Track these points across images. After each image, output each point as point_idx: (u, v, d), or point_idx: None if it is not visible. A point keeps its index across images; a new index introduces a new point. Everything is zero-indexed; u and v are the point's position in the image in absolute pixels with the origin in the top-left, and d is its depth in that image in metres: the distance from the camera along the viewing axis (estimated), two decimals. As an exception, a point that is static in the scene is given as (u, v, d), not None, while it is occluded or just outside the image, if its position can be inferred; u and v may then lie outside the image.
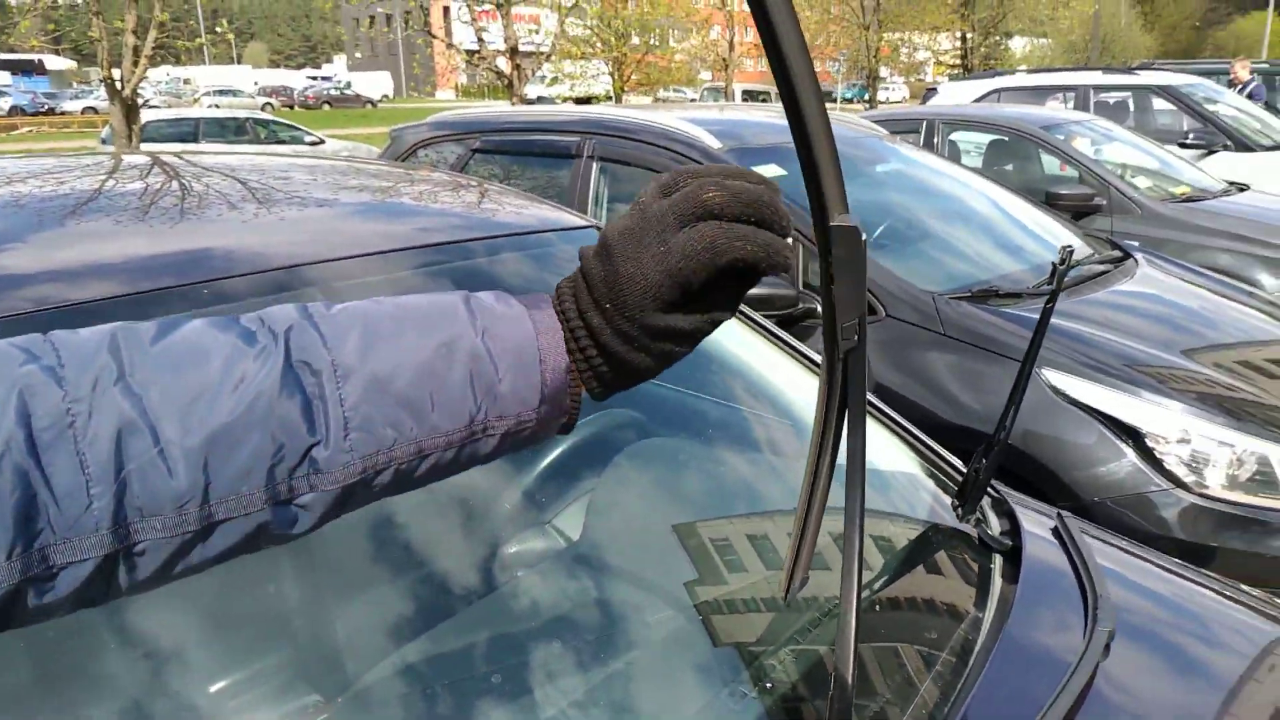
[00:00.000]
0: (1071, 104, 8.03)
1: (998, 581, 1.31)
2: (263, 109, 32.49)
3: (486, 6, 15.56)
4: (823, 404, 0.68)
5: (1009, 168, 5.74)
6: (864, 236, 0.60)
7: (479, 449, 0.59)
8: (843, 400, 0.66)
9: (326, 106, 45.83)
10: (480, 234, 1.53)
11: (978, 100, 8.43)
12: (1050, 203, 4.51)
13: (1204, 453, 2.36)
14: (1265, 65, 11.02)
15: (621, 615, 1.23)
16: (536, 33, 17.84)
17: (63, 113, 36.89)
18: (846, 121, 4.20)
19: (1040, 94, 8.30)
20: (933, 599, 1.32)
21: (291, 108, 44.16)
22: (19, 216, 1.21)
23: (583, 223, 1.73)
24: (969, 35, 28.81)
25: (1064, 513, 1.50)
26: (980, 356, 2.63)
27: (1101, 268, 3.28)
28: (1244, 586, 1.46)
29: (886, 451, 1.63)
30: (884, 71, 30.92)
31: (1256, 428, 2.38)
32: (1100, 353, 2.57)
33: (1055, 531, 1.45)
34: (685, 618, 1.20)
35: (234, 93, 40.58)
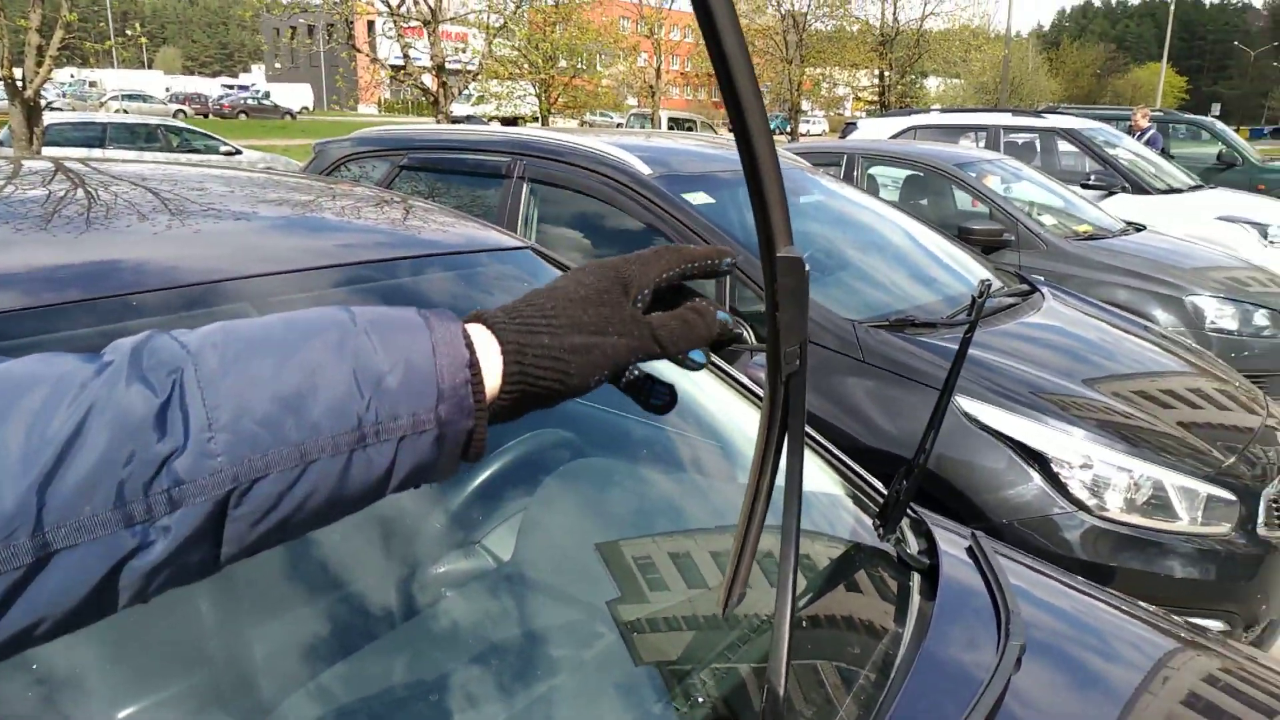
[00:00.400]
0: (983, 143, 8.38)
1: (916, 599, 1.34)
2: (174, 116, 31.43)
3: (413, 23, 15.43)
4: (765, 424, 0.69)
5: (924, 202, 5.94)
6: (807, 267, 0.62)
7: (374, 461, 0.51)
8: (784, 421, 0.69)
9: (243, 116, 44.72)
10: (408, 252, 1.49)
11: (894, 136, 8.73)
12: (962, 237, 4.68)
13: (1104, 477, 2.47)
14: (1160, 114, 11.68)
15: (549, 636, 1.21)
16: (464, 51, 17.75)
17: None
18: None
19: (953, 132, 8.64)
20: (854, 616, 1.35)
21: (206, 116, 42.95)
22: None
23: (515, 243, 1.72)
24: (887, 73, 29.82)
25: (978, 533, 1.55)
26: (897, 383, 2.71)
27: (1010, 300, 3.42)
28: (1141, 603, 1.53)
29: (811, 472, 1.65)
30: (806, 105, 31.72)
31: (1151, 454, 2.50)
32: (1009, 381, 2.67)
33: (970, 551, 1.50)
34: (613, 638, 1.20)
35: (144, 98, 39.22)
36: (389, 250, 1.47)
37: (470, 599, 1.24)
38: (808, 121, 37.89)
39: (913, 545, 1.50)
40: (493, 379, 0.57)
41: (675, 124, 31.27)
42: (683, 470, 1.71)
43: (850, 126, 10.27)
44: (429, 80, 14.42)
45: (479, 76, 16.49)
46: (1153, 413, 2.73)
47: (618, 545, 1.37)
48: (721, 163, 3.57)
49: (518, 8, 16.54)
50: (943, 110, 10.11)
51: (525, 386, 0.58)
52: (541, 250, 1.78)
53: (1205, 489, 2.46)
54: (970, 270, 3.71)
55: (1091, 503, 2.46)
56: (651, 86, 27.62)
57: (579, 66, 21.07)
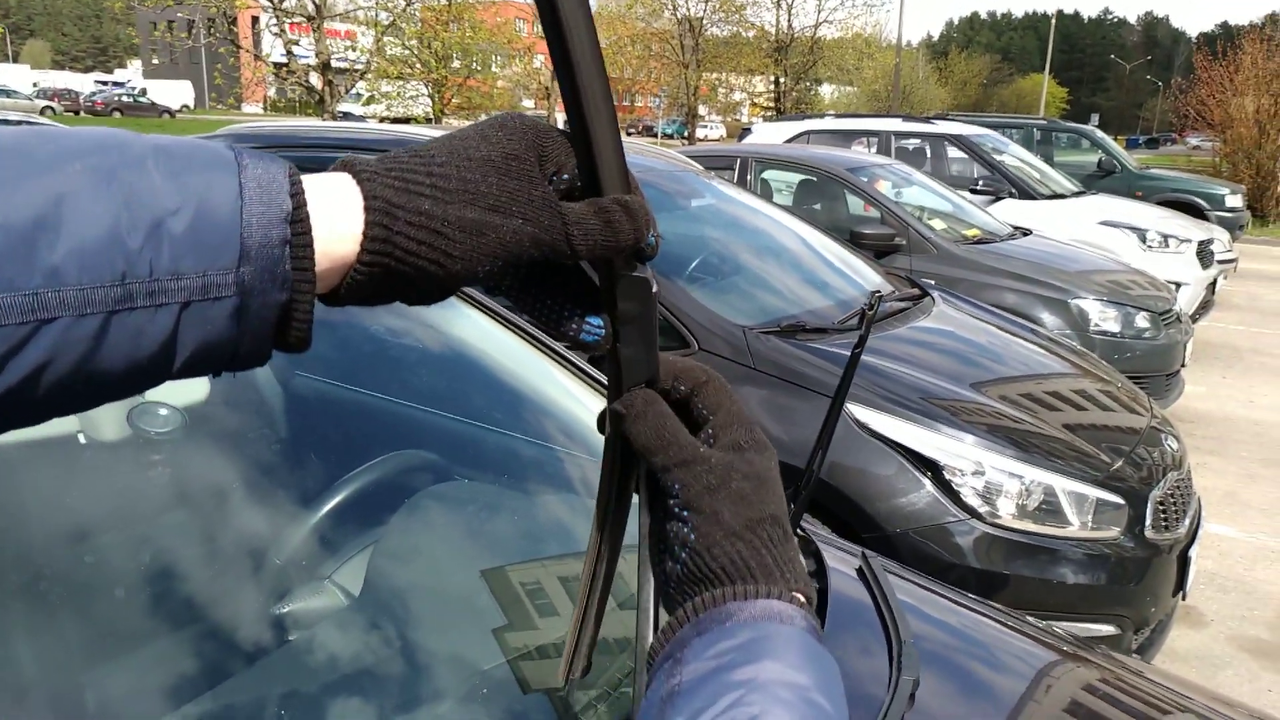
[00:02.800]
0: (875, 148, 8.51)
1: None
2: (42, 113, 29.78)
3: (298, 19, 14.90)
4: (606, 475, 0.59)
5: (817, 206, 5.97)
6: (654, 289, 0.52)
7: (145, 330, 0.40)
8: (626, 472, 0.57)
9: (117, 114, 42.96)
10: None
11: (789, 141, 8.80)
12: (855, 241, 4.68)
13: (996, 484, 2.44)
14: (1044, 122, 12.16)
15: (406, 674, 1.11)
16: (353, 49, 17.22)
17: None
18: (662, 155, 4.20)
19: (846, 137, 8.76)
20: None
21: (77, 113, 41.05)
22: None
23: None
24: (782, 80, 30.39)
25: (867, 552, 1.49)
26: (788, 391, 2.63)
27: (901, 305, 3.40)
28: (1028, 617, 1.52)
29: None
30: (703, 110, 32.06)
31: (1042, 459, 2.49)
32: (900, 387, 2.62)
33: (860, 572, 1.44)
34: (479, 671, 1.10)
35: (7, 93, 37.08)
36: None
37: (320, 639, 1.12)
38: (705, 126, 38.35)
39: None
40: (343, 243, 0.44)
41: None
42: (550, 488, 1.57)
43: (747, 132, 10.35)
44: (315, 79, 13.93)
45: (368, 75, 16.05)
46: (1041, 417, 2.72)
47: (504, 571, 1.28)
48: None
49: (408, 5, 16.15)
50: (837, 116, 10.26)
51: (390, 261, 0.45)
52: None
53: (1095, 493, 2.45)
54: (862, 275, 3.69)
55: (984, 510, 2.43)
56: (547, 88, 27.43)
57: (473, 67, 20.74)
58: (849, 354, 1.33)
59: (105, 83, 54.52)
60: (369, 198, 0.44)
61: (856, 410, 2.55)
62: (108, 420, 1.20)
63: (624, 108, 46.48)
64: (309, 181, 0.44)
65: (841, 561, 1.46)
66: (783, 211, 4.15)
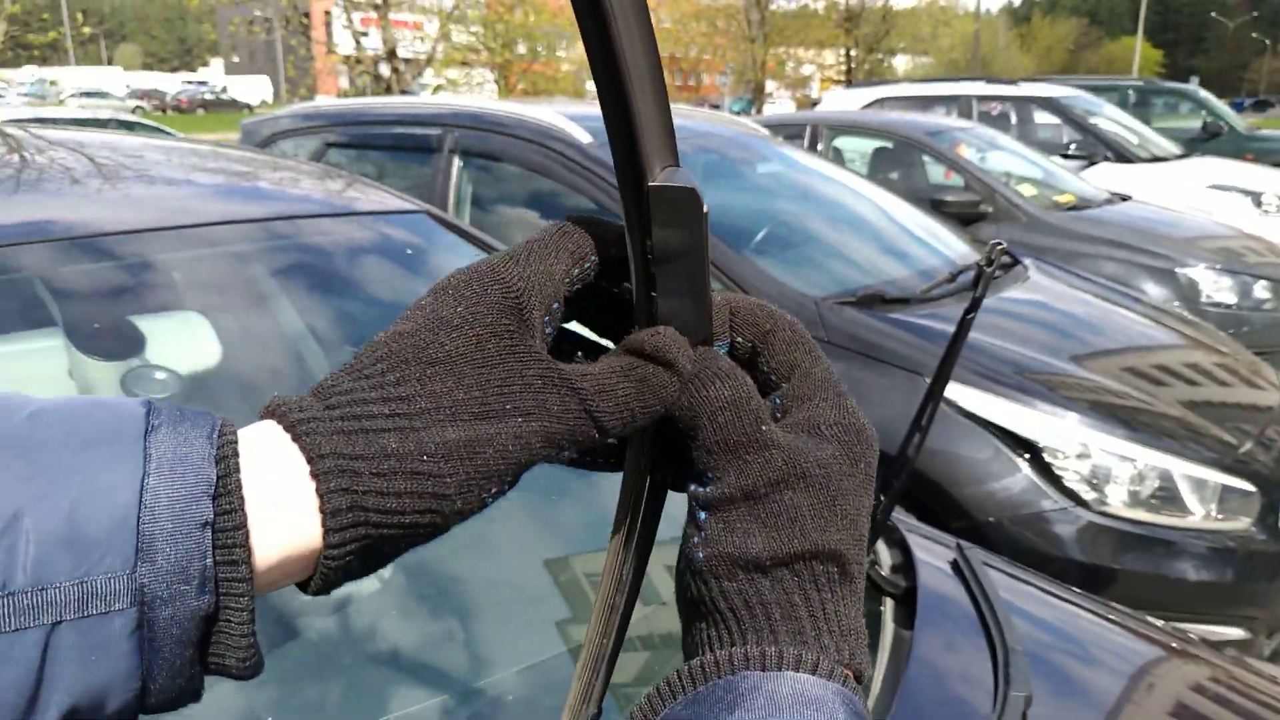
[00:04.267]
0: (955, 114, 8.09)
1: (889, 628, 1.14)
2: (133, 112, 31.06)
3: (370, 14, 15.08)
4: (631, 479, 0.44)
5: (894, 175, 5.66)
6: (705, 208, 0.37)
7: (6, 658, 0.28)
8: (656, 475, 0.44)
9: (201, 111, 44.50)
10: (291, 213, 1.42)
11: (863, 109, 8.43)
12: (937, 209, 4.39)
13: (1104, 467, 2.19)
14: (1141, 83, 11.46)
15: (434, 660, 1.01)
16: (421, 40, 17.37)
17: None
18: (724, 120, 4.00)
19: (924, 104, 8.34)
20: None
21: (164, 111, 42.71)
22: None
23: (409, 206, 1.61)
24: (853, 51, 29.58)
25: (963, 543, 1.33)
26: (865, 365, 2.43)
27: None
28: (1151, 619, 1.36)
29: None
30: (771, 86, 31.51)
31: (1156, 439, 2.22)
32: (993, 361, 2.38)
33: (955, 566, 1.29)
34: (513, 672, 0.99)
35: (103, 95, 38.74)
36: (259, 211, 1.38)
37: (351, 620, 1.04)
38: (773, 103, 37.59)
39: (885, 562, 1.28)
40: (294, 527, 0.33)
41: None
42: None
43: (816, 105, 10.01)
44: (384, 68, 14.12)
45: (431, 63, 16.20)
46: (1153, 393, 2.44)
47: (568, 561, 1.20)
48: (680, 132, 3.33)
49: (472, -9, 16.24)
50: (912, 82, 9.84)
51: (367, 531, 0.34)
52: (439, 214, 1.67)
53: (1220, 478, 2.18)
54: (946, 243, 3.41)
55: (1090, 497, 2.18)
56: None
57: (538, 50, 20.71)
58: (935, 325, 1.14)
59: (190, 82, 56.70)
60: (314, 458, 0.33)
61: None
62: (101, 382, 1.09)
63: (689, 87, 45.94)
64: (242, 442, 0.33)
65: (932, 553, 1.32)
66: (857, 178, 3.89)
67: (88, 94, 37.33)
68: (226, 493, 0.32)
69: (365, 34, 15.34)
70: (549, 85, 23.68)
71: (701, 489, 0.38)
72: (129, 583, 0.30)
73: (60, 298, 1.09)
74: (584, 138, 3.02)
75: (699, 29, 28.46)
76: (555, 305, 0.38)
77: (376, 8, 14.32)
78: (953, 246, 3.38)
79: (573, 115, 3.21)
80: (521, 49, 19.93)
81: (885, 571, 1.25)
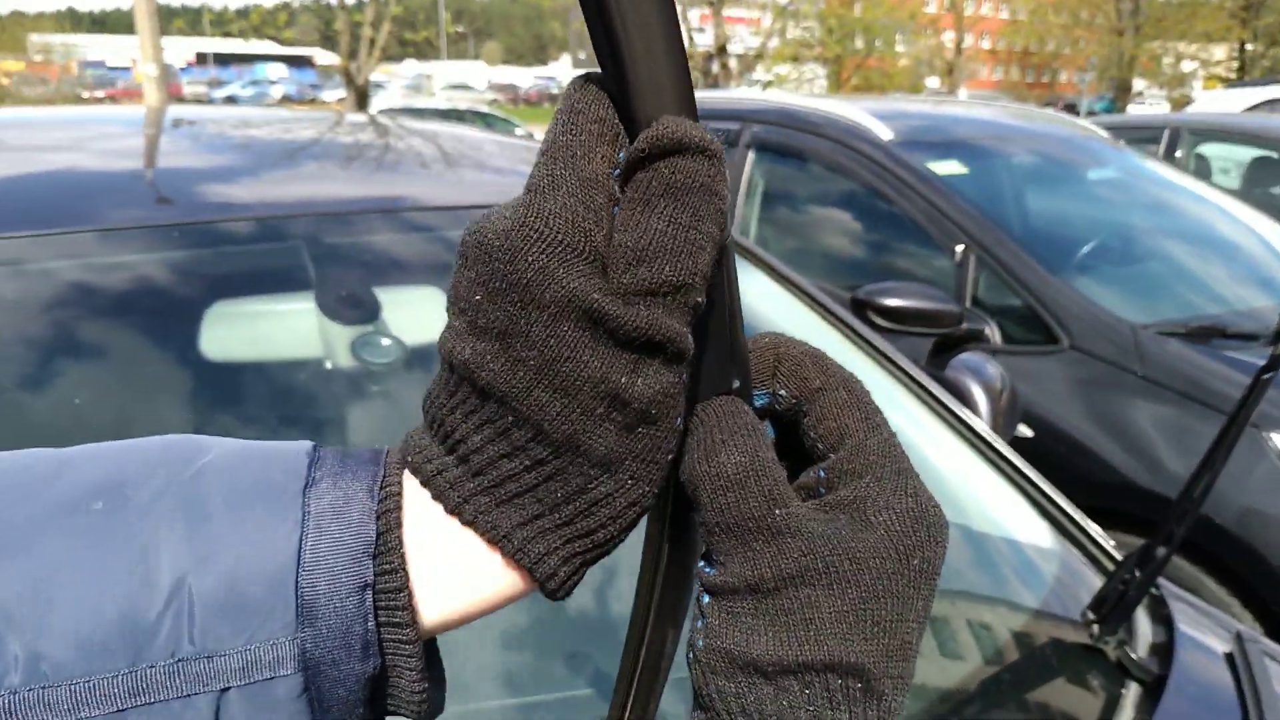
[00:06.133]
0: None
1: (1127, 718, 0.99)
2: (490, 104, 34.65)
3: (706, 10, 15.54)
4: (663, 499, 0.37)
5: (1276, 191, 4.79)
6: (726, 171, 0.32)
7: None
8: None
9: (547, 104, 48.23)
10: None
11: (1248, 110, 7.26)
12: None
13: None
14: None
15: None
16: (755, 35, 17.62)
17: (321, 101, 40.89)
18: (1050, 118, 3.61)
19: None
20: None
21: (516, 104, 46.76)
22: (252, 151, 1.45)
23: None
24: (1250, 45, 25.56)
25: (1245, 631, 1.16)
26: (1189, 409, 2.08)
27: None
28: None
29: (1020, 520, 1.30)
30: (1140, 85, 28.24)
31: None
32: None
33: (1229, 659, 1.11)
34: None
35: (467, 88, 43.42)
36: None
37: None
38: (1142, 103, 33.48)
39: (1141, 639, 1.11)
40: (482, 588, 0.33)
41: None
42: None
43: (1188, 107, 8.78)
44: (715, 64, 14.48)
45: (761, 58, 16.34)
46: None
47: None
48: (981, 128, 3.07)
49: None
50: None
51: (582, 561, 0.33)
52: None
53: None
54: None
55: None
56: (950, 64, 25.83)
57: (876, 44, 20.15)
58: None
59: (541, 77, 62.03)
60: (497, 540, 0.32)
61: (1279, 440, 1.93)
62: (340, 348, 1.18)
63: (1042, 84, 42.30)
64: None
65: (1203, 633, 1.15)
66: (1216, 190, 3.34)
67: (454, 87, 42.06)
68: (387, 550, 0.31)
69: (701, 30, 15.80)
70: (883, 81, 22.93)
71: (707, 569, 0.33)
72: (291, 649, 0.30)
73: (318, 264, 1.18)
74: (884, 134, 2.87)
75: (1057, 21, 26.19)
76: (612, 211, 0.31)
77: (711, 4, 14.70)
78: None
79: (877, 111, 3.06)
80: (859, 43, 19.51)
81: (1138, 652, 1.07)
